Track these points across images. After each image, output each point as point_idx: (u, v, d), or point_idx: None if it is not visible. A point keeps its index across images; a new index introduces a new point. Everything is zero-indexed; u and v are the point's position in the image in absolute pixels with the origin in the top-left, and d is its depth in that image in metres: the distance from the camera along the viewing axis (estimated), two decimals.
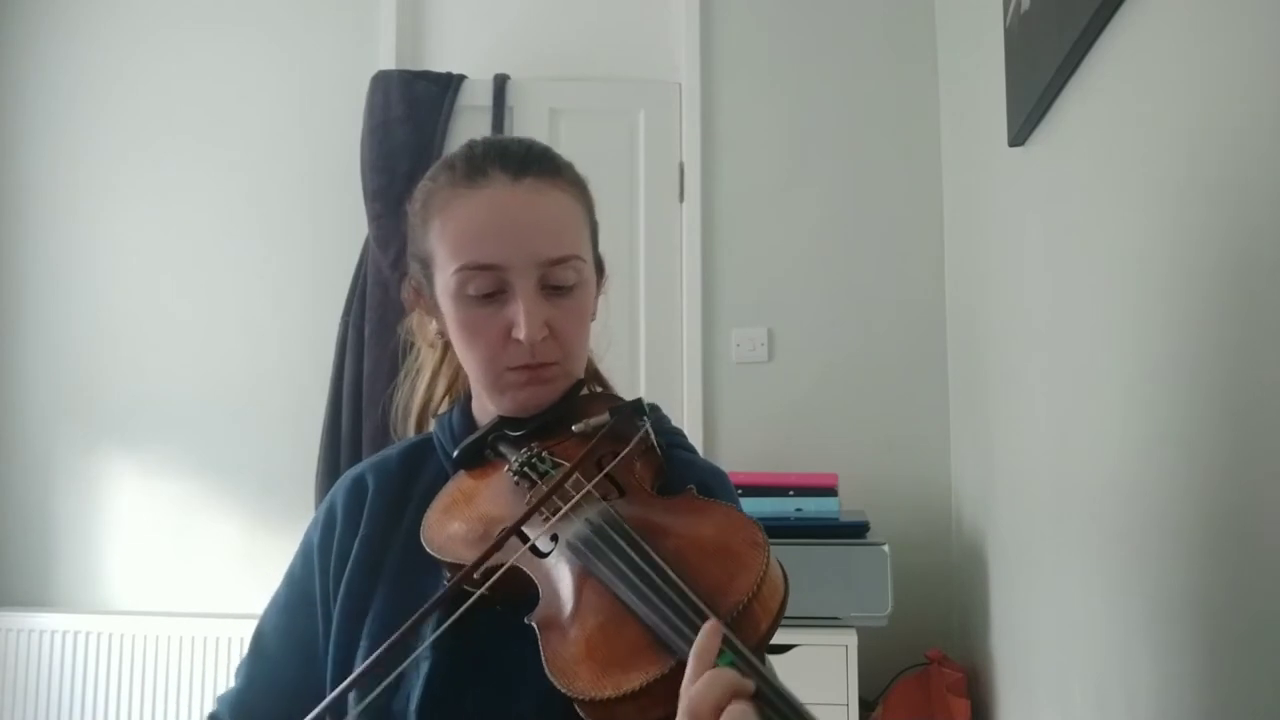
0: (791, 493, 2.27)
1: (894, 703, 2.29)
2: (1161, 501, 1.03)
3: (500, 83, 2.80)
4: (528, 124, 2.78)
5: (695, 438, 2.65)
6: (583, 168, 0.98)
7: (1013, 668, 1.91)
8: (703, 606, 0.67)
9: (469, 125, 2.74)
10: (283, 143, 2.89)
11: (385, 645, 0.74)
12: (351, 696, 0.77)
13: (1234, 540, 0.85)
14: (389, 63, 2.85)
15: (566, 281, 0.91)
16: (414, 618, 0.74)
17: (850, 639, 2.11)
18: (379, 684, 0.74)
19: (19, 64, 2.98)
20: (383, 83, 2.75)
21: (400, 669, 0.78)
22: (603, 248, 1.00)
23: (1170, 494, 1.00)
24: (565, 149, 0.98)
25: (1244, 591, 0.83)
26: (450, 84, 2.78)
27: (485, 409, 0.99)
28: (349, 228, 2.74)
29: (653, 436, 0.92)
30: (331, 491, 1.02)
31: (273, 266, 2.86)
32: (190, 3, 2.96)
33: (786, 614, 0.71)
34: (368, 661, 0.75)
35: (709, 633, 0.63)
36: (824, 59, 2.80)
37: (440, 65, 2.84)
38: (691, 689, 0.61)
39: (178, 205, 2.90)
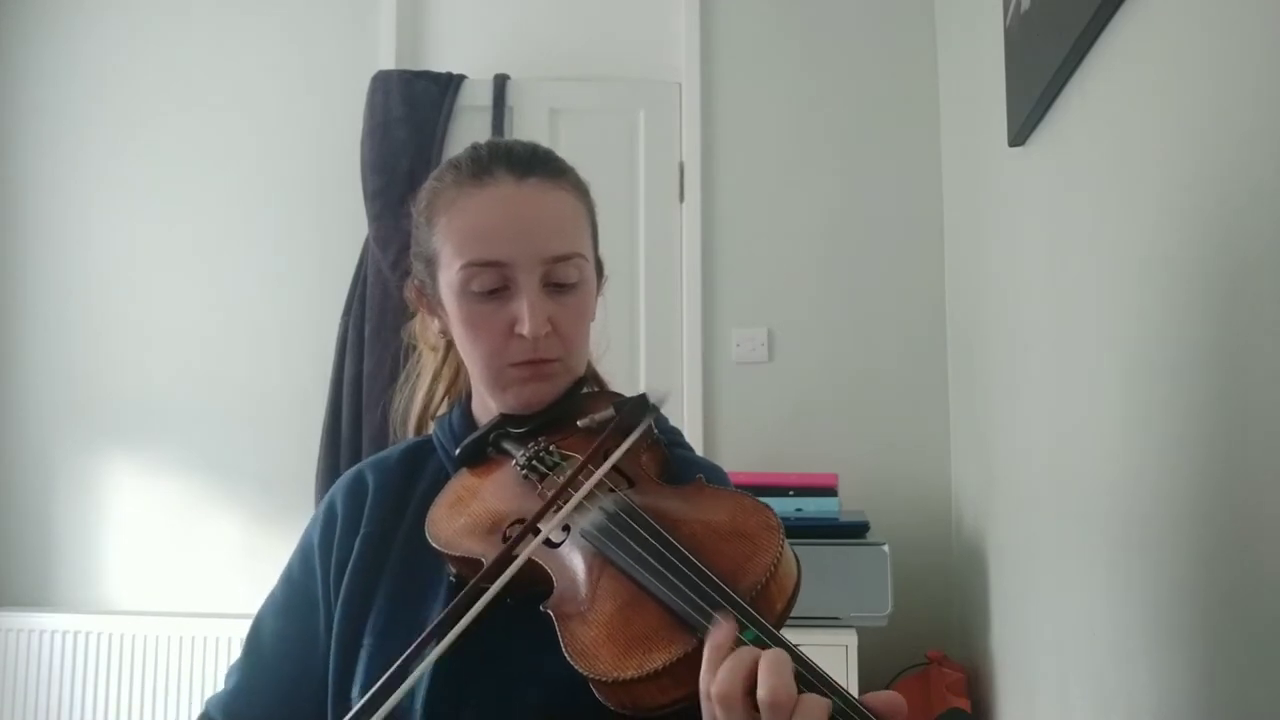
0: (791, 493, 2.27)
1: None
2: (1162, 502, 1.03)
3: (500, 83, 2.80)
4: (528, 124, 2.77)
5: (695, 438, 2.65)
6: (583, 168, 0.99)
7: (1013, 668, 1.91)
8: (723, 585, 0.67)
9: (469, 125, 2.74)
10: (283, 143, 2.88)
11: (402, 658, 0.72)
12: (363, 702, 0.77)
13: (1234, 540, 0.85)
14: (389, 62, 2.85)
15: (569, 279, 0.92)
16: (429, 630, 0.73)
17: (850, 639, 2.11)
18: (393, 692, 0.72)
19: (19, 67, 2.98)
20: (383, 82, 2.75)
21: (415, 676, 0.75)
22: (603, 248, 1.01)
23: (1170, 494, 1.00)
24: (565, 149, 0.99)
25: (1244, 591, 0.83)
26: (450, 84, 2.78)
27: (486, 408, 0.99)
28: (349, 228, 2.74)
29: (655, 430, 0.93)
30: (331, 491, 1.02)
31: (273, 266, 2.86)
32: (190, 2, 2.96)
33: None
34: (386, 675, 0.72)
35: (724, 627, 0.63)
36: (824, 59, 2.80)
37: (440, 65, 2.84)
38: (715, 678, 0.61)
39: (178, 205, 2.90)
